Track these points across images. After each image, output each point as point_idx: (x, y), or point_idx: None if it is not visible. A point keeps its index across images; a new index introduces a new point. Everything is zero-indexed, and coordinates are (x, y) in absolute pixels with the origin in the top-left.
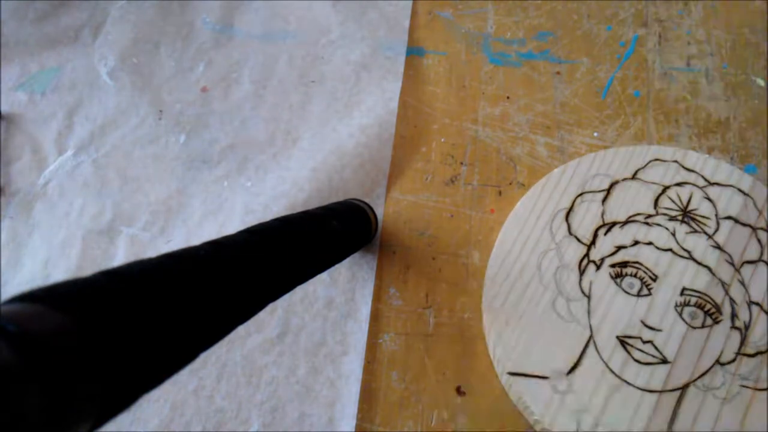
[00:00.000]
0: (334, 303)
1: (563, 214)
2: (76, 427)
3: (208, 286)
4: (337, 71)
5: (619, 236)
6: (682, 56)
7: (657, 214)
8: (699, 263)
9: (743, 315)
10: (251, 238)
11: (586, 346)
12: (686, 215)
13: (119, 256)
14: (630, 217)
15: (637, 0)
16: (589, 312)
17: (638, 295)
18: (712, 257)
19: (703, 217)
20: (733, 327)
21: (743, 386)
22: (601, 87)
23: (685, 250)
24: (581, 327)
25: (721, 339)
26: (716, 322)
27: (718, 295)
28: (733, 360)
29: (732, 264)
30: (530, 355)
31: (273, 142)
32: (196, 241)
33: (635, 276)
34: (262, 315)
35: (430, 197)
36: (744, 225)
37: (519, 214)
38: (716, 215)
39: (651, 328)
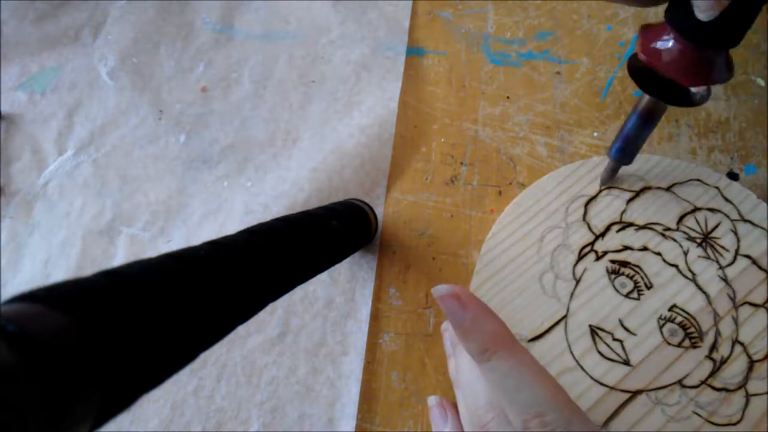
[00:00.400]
0: (334, 303)
1: (585, 199)
2: (76, 427)
3: (208, 286)
4: (337, 71)
5: (630, 237)
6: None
7: (677, 230)
8: (699, 288)
9: (723, 350)
10: (251, 238)
11: (556, 323)
12: (706, 240)
13: (119, 256)
14: (649, 223)
15: None
16: (572, 295)
17: (626, 296)
18: (714, 287)
19: (723, 248)
20: (709, 357)
21: (696, 413)
22: (601, 87)
23: (691, 271)
24: (559, 305)
25: (692, 363)
26: (694, 346)
27: (706, 322)
28: (697, 386)
29: (733, 300)
30: (499, 311)
31: (273, 142)
32: (196, 241)
33: (631, 278)
34: (262, 315)
35: (430, 197)
36: (761, 269)
37: (543, 185)
38: (736, 250)
39: (626, 329)
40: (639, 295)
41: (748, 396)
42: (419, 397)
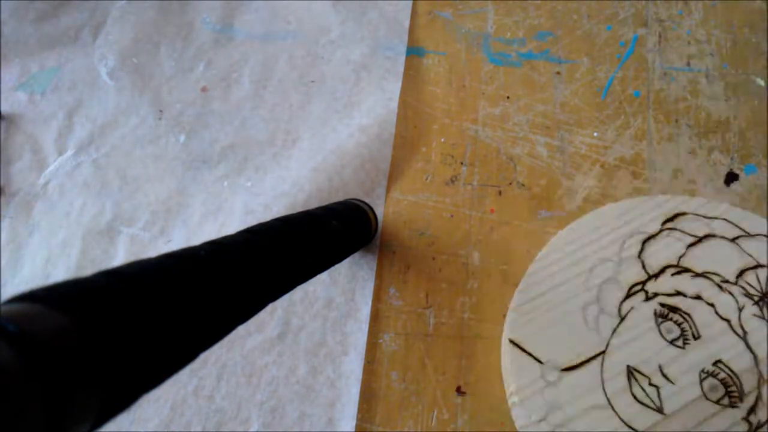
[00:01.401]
0: (334, 303)
1: (643, 236)
2: (76, 427)
3: (208, 286)
4: (337, 71)
5: (685, 283)
6: (682, 56)
7: (735, 283)
8: (749, 347)
9: (762, 414)
10: (251, 238)
11: (593, 357)
12: (763, 299)
13: (119, 256)
14: (707, 272)
15: (637, 0)
16: (614, 331)
17: (671, 342)
18: (765, 348)
19: None
20: (746, 419)
21: None
22: (601, 87)
23: (743, 328)
24: (599, 339)
25: (727, 422)
26: (732, 406)
27: (749, 383)
28: None
29: None
30: (537, 337)
31: (273, 142)
32: (196, 241)
33: (678, 325)
34: (262, 315)
35: (430, 197)
36: None
37: (602, 214)
38: None
39: (665, 376)
40: (684, 343)
41: None
42: (419, 397)
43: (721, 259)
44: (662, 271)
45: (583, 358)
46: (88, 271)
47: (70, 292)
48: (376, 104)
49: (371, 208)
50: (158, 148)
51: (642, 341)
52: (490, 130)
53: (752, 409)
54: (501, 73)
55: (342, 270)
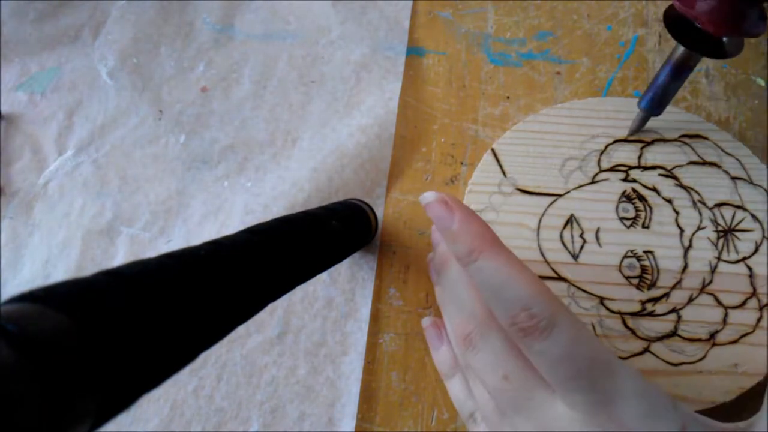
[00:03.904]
0: (334, 303)
1: (657, 136)
2: (75, 427)
3: (208, 286)
4: (337, 71)
5: (665, 186)
6: None
7: (710, 209)
8: (685, 257)
9: (659, 308)
10: (251, 238)
11: (550, 195)
12: (727, 233)
13: (119, 256)
14: (691, 187)
15: (637, 0)
16: (580, 186)
17: (620, 219)
18: (698, 265)
19: (735, 248)
20: (642, 302)
21: (593, 326)
22: (601, 87)
23: (690, 242)
24: (563, 186)
25: (625, 295)
26: (637, 287)
27: (663, 281)
28: (613, 312)
29: (703, 286)
30: (514, 158)
31: (273, 142)
32: (196, 241)
33: (636, 210)
34: (262, 315)
35: None
36: (750, 283)
37: (630, 103)
38: (744, 258)
39: (597, 238)
40: (631, 225)
41: (644, 351)
42: (419, 397)
43: (712, 185)
44: (653, 168)
45: (540, 190)
46: (88, 271)
47: (70, 292)
48: (376, 104)
49: (371, 208)
50: (158, 148)
51: (597, 205)
52: (490, 130)
53: (654, 300)
54: (501, 73)
55: (342, 270)
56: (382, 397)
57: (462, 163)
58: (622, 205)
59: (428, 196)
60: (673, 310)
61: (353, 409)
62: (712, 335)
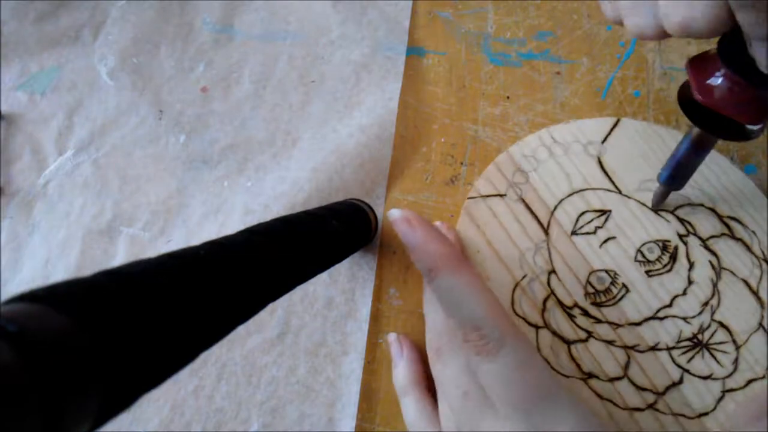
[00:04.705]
0: (334, 303)
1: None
2: (75, 428)
3: (208, 286)
4: (337, 71)
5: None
6: (682, 56)
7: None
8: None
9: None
10: (251, 238)
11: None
12: (704, 346)
13: (119, 256)
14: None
15: None
16: (642, 203)
17: (639, 250)
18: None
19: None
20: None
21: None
22: (601, 87)
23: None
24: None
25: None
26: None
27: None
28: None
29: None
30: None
31: (273, 142)
32: (196, 241)
33: (659, 261)
34: (262, 315)
35: (430, 197)
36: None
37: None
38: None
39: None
40: (639, 262)
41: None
42: None
43: (745, 312)
44: (713, 254)
45: (612, 176)
46: (88, 271)
47: (70, 292)
48: (376, 104)
49: (371, 208)
50: (158, 148)
51: (636, 227)
52: (490, 130)
53: (584, 312)
54: (501, 73)
55: (342, 270)
56: (382, 397)
57: (462, 163)
58: (653, 245)
59: (394, 213)
60: (588, 332)
61: (353, 409)
62: (589, 375)
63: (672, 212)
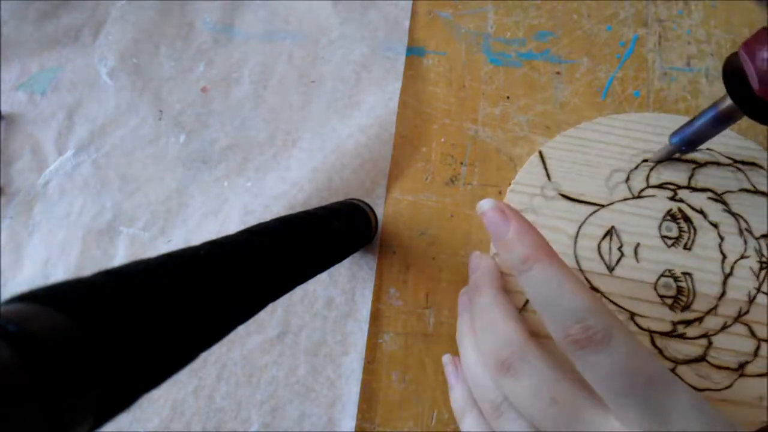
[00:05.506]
0: (334, 303)
1: (711, 159)
2: (75, 428)
3: (208, 286)
4: (337, 71)
5: (712, 210)
6: (682, 56)
7: (756, 238)
8: (724, 283)
9: (690, 331)
10: (251, 238)
11: (593, 204)
12: None
13: (119, 256)
14: (738, 214)
15: (637, 0)
16: (624, 199)
17: (662, 237)
18: (735, 293)
19: None
20: (674, 323)
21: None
22: (601, 87)
23: (731, 270)
24: (607, 197)
25: (657, 314)
26: (671, 307)
27: (699, 305)
28: (642, 328)
29: (738, 315)
30: (561, 164)
31: (273, 142)
32: (196, 241)
33: (680, 229)
34: (262, 315)
35: (430, 197)
36: None
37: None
38: None
39: (635, 253)
40: (672, 245)
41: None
42: (419, 397)
43: (762, 215)
44: (703, 190)
45: (583, 198)
46: (88, 271)
47: (70, 292)
48: (376, 104)
49: (371, 208)
50: (158, 148)
51: (640, 220)
52: (490, 130)
53: (685, 322)
54: (501, 73)
55: (342, 270)
56: (382, 397)
57: (462, 163)
58: (666, 223)
59: (485, 204)
60: (705, 335)
61: (353, 409)
62: (742, 365)
63: (648, 186)
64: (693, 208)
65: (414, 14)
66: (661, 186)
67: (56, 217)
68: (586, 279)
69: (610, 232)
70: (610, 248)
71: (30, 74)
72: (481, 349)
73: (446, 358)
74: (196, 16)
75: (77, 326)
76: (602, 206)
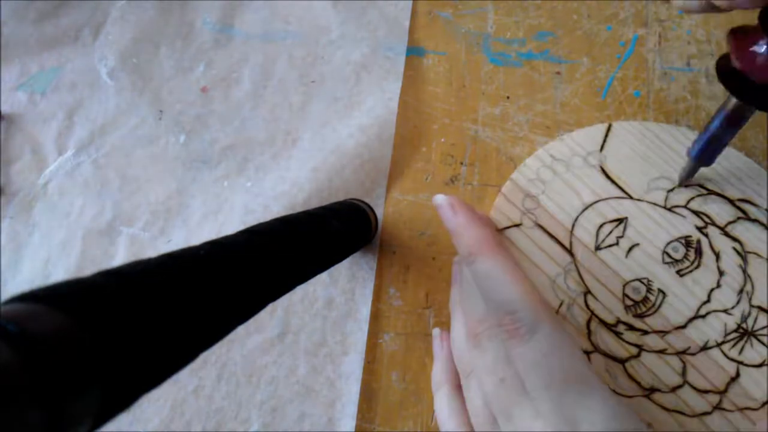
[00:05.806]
0: (334, 303)
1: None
2: (75, 428)
3: (208, 286)
4: (337, 71)
5: (728, 253)
6: (682, 56)
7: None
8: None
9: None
10: (251, 238)
11: (622, 190)
12: (751, 335)
13: (119, 256)
14: (750, 252)
15: (637, 0)
16: (652, 203)
17: (663, 249)
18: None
19: None
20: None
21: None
22: (601, 87)
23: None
24: (640, 194)
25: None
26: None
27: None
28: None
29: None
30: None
31: (273, 142)
32: (196, 241)
33: (687, 251)
34: (262, 315)
35: (430, 197)
36: None
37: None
38: None
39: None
40: (668, 263)
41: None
42: (419, 397)
43: None
44: (734, 239)
45: (619, 182)
46: (88, 271)
47: (70, 292)
48: (376, 104)
49: (371, 208)
50: (158, 148)
51: (655, 227)
52: (490, 130)
53: (628, 325)
54: (501, 73)
55: (342, 270)
56: (382, 397)
57: (462, 163)
58: (675, 244)
59: (438, 199)
60: (639, 346)
61: (353, 409)
62: (652, 390)
63: (685, 206)
64: (712, 248)
65: (414, 14)
66: (696, 213)
67: (56, 217)
68: (570, 243)
69: (620, 221)
70: (610, 232)
71: (30, 74)
72: (463, 322)
73: (436, 331)
74: (196, 16)
75: (77, 326)
76: (630, 197)
